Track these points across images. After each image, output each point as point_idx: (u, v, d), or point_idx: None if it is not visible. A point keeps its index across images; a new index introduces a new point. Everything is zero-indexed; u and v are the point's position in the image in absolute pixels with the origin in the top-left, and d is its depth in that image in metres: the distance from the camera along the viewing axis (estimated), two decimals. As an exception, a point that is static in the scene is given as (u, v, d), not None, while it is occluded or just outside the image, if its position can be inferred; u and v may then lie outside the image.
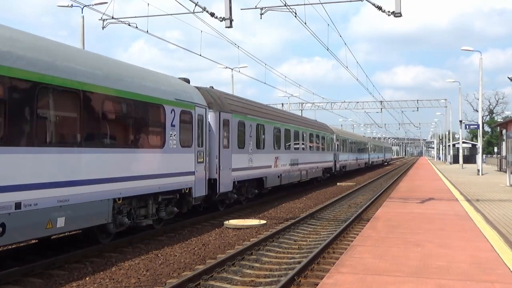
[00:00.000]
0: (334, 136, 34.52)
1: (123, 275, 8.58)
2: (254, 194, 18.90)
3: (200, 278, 8.15)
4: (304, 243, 11.75)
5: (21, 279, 8.17)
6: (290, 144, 23.08)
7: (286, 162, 22.17)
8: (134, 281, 8.27)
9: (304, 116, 32.40)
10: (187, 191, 12.97)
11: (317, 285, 6.76)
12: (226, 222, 13.91)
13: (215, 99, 15.43)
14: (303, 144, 25.74)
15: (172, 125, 12.16)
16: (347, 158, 39.56)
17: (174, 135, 12.24)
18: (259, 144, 18.98)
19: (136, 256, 9.98)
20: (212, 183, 14.69)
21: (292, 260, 9.83)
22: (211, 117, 14.83)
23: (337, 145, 35.16)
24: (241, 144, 17.08)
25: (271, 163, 20.24)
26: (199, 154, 13.56)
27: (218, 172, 14.91)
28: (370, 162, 55.53)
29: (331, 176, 33.31)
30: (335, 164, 33.93)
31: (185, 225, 13.56)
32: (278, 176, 21.12)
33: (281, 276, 8.43)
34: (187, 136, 13.00)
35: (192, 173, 13.17)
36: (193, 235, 12.41)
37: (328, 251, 10.38)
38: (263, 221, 14.28)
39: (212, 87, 16.65)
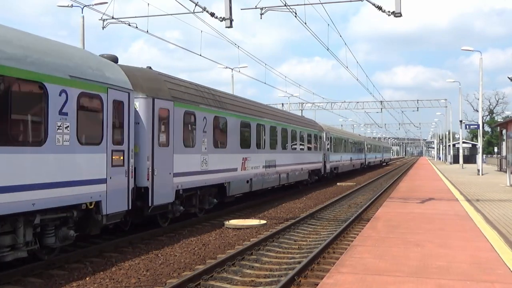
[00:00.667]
0: (324, 134, 31.09)
1: (123, 275, 8.58)
2: (213, 204, 15.26)
3: (200, 278, 8.16)
4: (304, 243, 11.75)
5: (21, 279, 8.18)
6: (264, 143, 19.50)
7: (258, 164, 18.63)
8: (134, 281, 8.27)
9: (285, 110, 27.86)
10: (91, 206, 9.44)
11: (317, 285, 6.76)
12: (226, 222, 13.91)
13: (146, 82, 11.92)
14: (283, 142, 22.03)
15: (63, 113, 8.64)
16: (339, 159, 36.13)
17: (67, 127, 8.72)
18: (219, 142, 15.38)
19: (136, 256, 9.99)
20: (143, 193, 11.41)
21: (292, 260, 9.83)
22: (140, 105, 11.44)
23: (328, 144, 31.82)
24: (190, 142, 13.43)
25: (237, 166, 16.62)
26: (115, 155, 10.08)
27: (150, 179, 11.42)
28: (366, 162, 52.68)
29: (320, 179, 29.90)
30: (324, 165, 30.43)
31: (185, 225, 13.56)
32: (247, 181, 17.59)
33: (281, 276, 8.44)
34: (93, 130, 9.62)
35: (102, 180, 9.64)
36: (193, 235, 12.41)
37: (328, 251, 10.38)
38: (263, 221, 14.29)
39: (150, 67, 13.24)
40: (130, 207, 10.56)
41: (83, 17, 23.94)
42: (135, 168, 11.00)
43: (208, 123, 14.48)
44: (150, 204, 11.46)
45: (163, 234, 12.27)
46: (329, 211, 17.48)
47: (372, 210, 16.79)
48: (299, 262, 9.28)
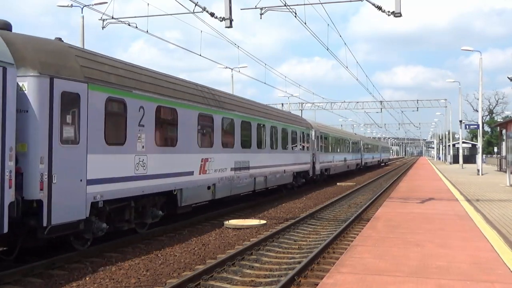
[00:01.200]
0: (313, 132, 27.83)
1: (123, 275, 8.59)
2: (159, 217, 12.19)
3: (200, 278, 8.16)
4: (304, 243, 11.76)
5: (21, 279, 8.18)
6: (234, 140, 16.42)
7: (225, 166, 15.52)
8: (134, 281, 8.27)
9: (264, 104, 23.77)
10: None
11: (317, 285, 6.77)
12: (226, 222, 13.90)
13: (41, 55, 8.83)
14: (259, 140, 18.83)
15: None
16: (331, 159, 32.94)
17: None
18: (165, 139, 12.43)
19: (136, 256, 9.99)
20: (35, 208, 8.39)
21: (292, 260, 9.83)
22: (30, 86, 8.45)
23: (317, 143, 28.65)
24: (116, 138, 10.41)
25: (193, 169, 13.50)
26: None
27: (46, 188, 8.38)
28: (363, 163, 49.58)
29: (308, 182, 26.75)
30: (313, 167, 27.29)
31: (185, 225, 13.56)
32: (209, 187, 14.47)
33: (281, 276, 8.44)
34: None
35: None
36: (193, 235, 12.41)
37: (328, 251, 10.38)
38: (263, 221, 14.29)
39: (61, 39, 10.01)
40: (7, 229, 7.62)
41: (83, 17, 24.00)
42: (22, 174, 8.22)
43: (148, 114, 11.34)
44: (45, 224, 8.36)
45: (163, 234, 12.26)
46: (329, 211, 17.49)
47: (372, 210, 16.80)
48: (299, 262, 9.28)
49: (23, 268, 8.45)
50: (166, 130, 12.57)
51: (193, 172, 13.50)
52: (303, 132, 25.70)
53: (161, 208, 12.35)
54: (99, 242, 10.38)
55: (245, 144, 17.44)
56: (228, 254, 9.73)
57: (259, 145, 18.90)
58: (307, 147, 26.60)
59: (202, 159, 14.03)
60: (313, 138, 27.91)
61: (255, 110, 19.21)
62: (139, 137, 11.04)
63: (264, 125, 19.45)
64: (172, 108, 12.51)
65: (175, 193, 12.59)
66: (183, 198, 12.93)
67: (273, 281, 8.22)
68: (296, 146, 24.26)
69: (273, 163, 20.45)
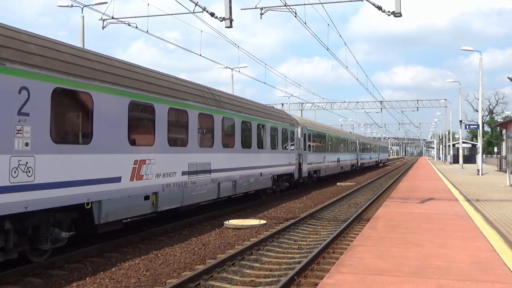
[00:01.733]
0: (299, 129, 24.67)
1: (123, 275, 8.59)
2: (64, 241, 9.00)
3: (200, 278, 8.16)
4: (304, 243, 11.76)
5: (21, 279, 8.18)
6: (187, 138, 13.06)
7: (173, 168, 12.21)
8: (134, 281, 8.27)
9: (235, 95, 20.05)
10: None
11: (317, 285, 6.77)
12: (226, 222, 13.90)
13: None
14: (225, 137, 15.57)
15: None
16: (321, 160, 29.70)
17: None
18: (72, 134, 9.39)
19: (136, 256, 9.99)
20: None
21: (292, 260, 9.83)
22: None
23: (304, 141, 25.62)
24: None
25: (121, 173, 10.21)
26: None
27: None
28: (359, 164, 46.64)
29: (294, 185, 24.29)
30: (299, 168, 24.14)
31: (185, 225, 13.56)
32: (147, 197, 11.15)
33: (281, 276, 8.44)
34: None
35: None
36: (193, 235, 12.41)
37: (328, 251, 10.38)
38: (263, 221, 14.29)
39: None
40: None
41: (83, 17, 23.95)
42: None
43: (36, 99, 8.06)
44: None
45: (163, 234, 12.27)
46: (329, 211, 17.49)
47: (372, 210, 16.80)
48: (299, 262, 9.28)
49: (23, 268, 8.45)
50: (71, 122, 9.53)
51: (120, 178, 10.19)
52: (286, 129, 22.20)
53: (69, 227, 9.30)
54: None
55: (205, 142, 14.24)
56: (228, 254, 9.74)
57: (226, 143, 15.58)
58: (292, 147, 23.33)
59: (136, 161, 10.74)
60: (299, 136, 24.72)
61: (220, 101, 15.55)
62: (19, 130, 7.72)
63: (233, 120, 16.25)
64: (84, 92, 9.24)
65: (89, 207, 9.35)
66: (103, 213, 9.66)
67: (273, 281, 8.23)
68: (277, 145, 20.86)
69: (245, 165, 17.19)
